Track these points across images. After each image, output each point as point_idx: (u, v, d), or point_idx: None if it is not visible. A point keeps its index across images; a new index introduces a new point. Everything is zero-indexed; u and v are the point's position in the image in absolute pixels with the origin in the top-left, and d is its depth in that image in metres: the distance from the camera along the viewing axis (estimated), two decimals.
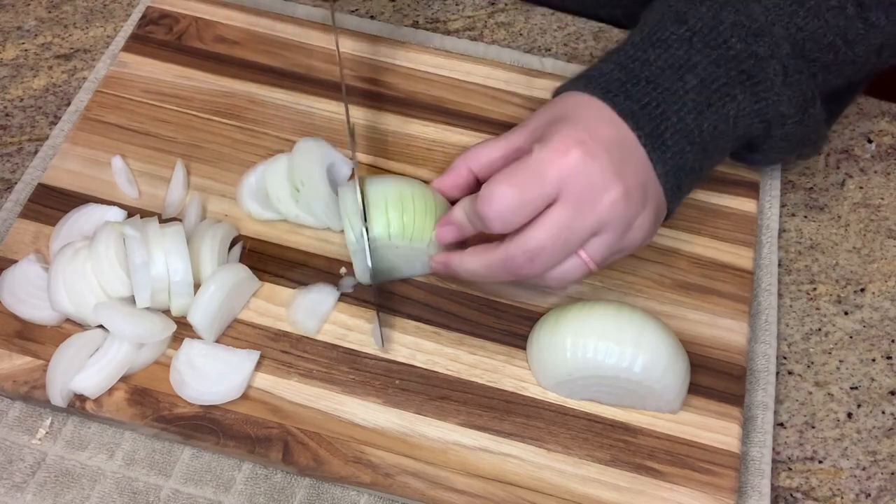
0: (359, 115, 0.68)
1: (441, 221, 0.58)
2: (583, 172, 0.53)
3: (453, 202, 0.59)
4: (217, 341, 0.58)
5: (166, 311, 0.58)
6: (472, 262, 0.56)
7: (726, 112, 0.57)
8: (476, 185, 0.59)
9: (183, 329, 0.58)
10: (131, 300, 0.58)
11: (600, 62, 0.59)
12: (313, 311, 0.59)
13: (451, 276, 0.60)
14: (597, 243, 0.54)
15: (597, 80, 0.57)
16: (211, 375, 0.56)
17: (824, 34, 0.58)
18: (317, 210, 0.61)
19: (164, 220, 0.62)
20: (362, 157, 0.66)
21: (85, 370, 0.56)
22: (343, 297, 0.61)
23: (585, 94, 0.56)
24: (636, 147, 0.55)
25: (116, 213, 0.62)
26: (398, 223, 0.57)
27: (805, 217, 0.69)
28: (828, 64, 0.59)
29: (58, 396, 0.55)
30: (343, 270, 0.62)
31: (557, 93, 0.59)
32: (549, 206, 0.53)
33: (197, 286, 0.58)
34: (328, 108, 0.68)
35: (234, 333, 0.59)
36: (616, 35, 0.76)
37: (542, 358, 0.57)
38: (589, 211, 0.53)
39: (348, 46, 0.71)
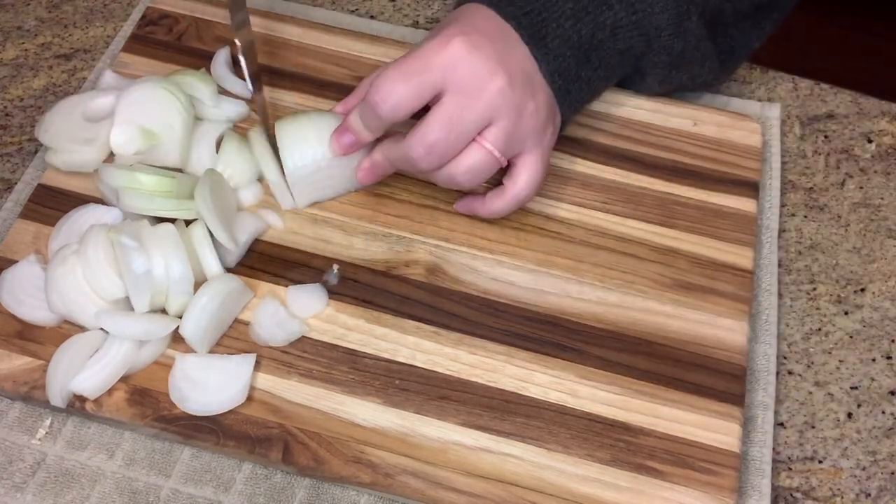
0: None
1: (337, 130, 0.61)
2: (466, 60, 0.55)
3: None
4: (218, 343, 0.58)
5: (163, 311, 0.58)
6: (378, 155, 0.61)
7: (603, 20, 0.59)
8: None
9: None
10: (125, 302, 0.58)
11: None
12: (280, 323, 0.59)
13: (376, 178, 0.63)
14: (493, 132, 0.57)
15: None
16: (211, 386, 0.56)
17: None
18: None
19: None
20: None
21: (84, 371, 0.56)
22: (342, 298, 0.61)
23: (474, 3, 0.59)
24: (519, 44, 0.58)
25: (116, 215, 0.62)
26: (322, 147, 0.61)
27: (805, 217, 0.69)
28: None
29: (57, 397, 0.55)
30: (334, 266, 0.62)
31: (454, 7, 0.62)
32: (437, 98, 0.56)
33: (197, 285, 0.58)
34: (327, 108, 0.68)
35: (235, 334, 0.59)
36: None
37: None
38: (476, 98, 0.55)
39: (348, 46, 0.71)
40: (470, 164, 0.57)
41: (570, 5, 0.59)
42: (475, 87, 0.55)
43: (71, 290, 0.57)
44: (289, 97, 0.69)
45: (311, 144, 0.61)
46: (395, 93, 0.55)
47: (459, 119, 0.55)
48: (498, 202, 0.61)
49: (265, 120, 0.65)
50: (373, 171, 0.62)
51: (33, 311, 0.58)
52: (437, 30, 0.58)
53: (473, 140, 0.57)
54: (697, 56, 0.64)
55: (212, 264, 0.59)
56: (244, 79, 0.66)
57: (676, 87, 0.69)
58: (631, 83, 0.67)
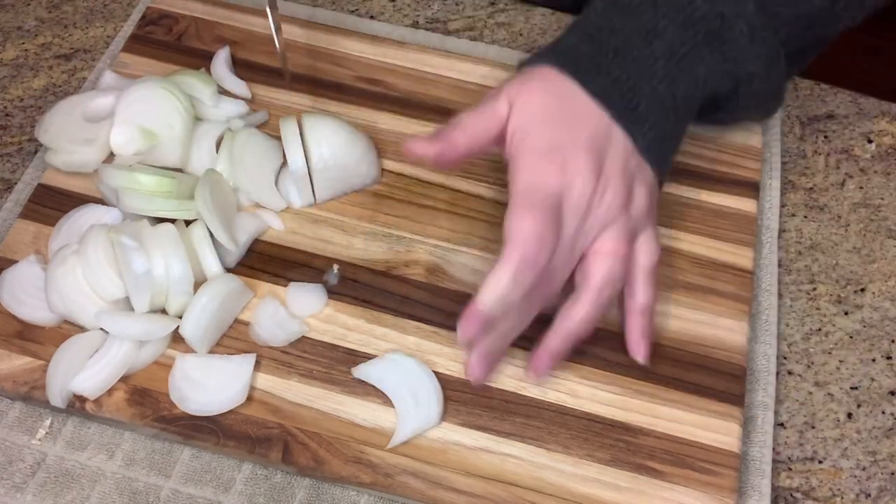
0: (359, 114, 0.68)
1: (465, 316, 0.52)
2: (572, 184, 0.53)
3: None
4: (218, 343, 0.58)
5: (163, 311, 0.58)
6: (555, 350, 0.56)
7: (696, 75, 0.57)
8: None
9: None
10: (125, 302, 0.58)
11: (565, 33, 0.58)
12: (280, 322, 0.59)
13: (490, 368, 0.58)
14: (609, 235, 0.55)
15: (565, 56, 0.56)
16: (211, 386, 0.56)
17: None
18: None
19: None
20: None
21: (84, 371, 0.56)
22: (342, 297, 0.61)
23: (555, 71, 0.56)
24: (614, 129, 0.55)
25: (116, 215, 0.62)
26: (350, 145, 0.62)
27: (805, 217, 0.69)
28: (789, 18, 0.58)
29: (57, 397, 0.55)
30: (334, 266, 0.62)
31: (523, 65, 0.59)
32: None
33: (197, 285, 0.58)
34: (328, 109, 0.68)
35: (235, 334, 0.59)
36: None
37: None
38: (588, 216, 0.54)
39: (348, 46, 0.71)
40: (604, 274, 0.55)
41: (662, 63, 0.56)
42: (585, 208, 0.54)
43: (71, 290, 0.57)
44: (289, 97, 0.69)
45: (340, 140, 0.62)
46: (538, 236, 0.52)
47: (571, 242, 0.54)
48: (580, 308, 0.56)
49: (279, 38, 0.63)
50: (546, 364, 0.57)
51: (33, 311, 0.58)
52: (526, 126, 0.55)
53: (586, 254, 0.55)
54: (778, 94, 0.63)
55: (212, 264, 0.59)
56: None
57: (743, 120, 0.68)
58: (702, 117, 0.63)
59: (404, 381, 0.57)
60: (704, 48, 0.57)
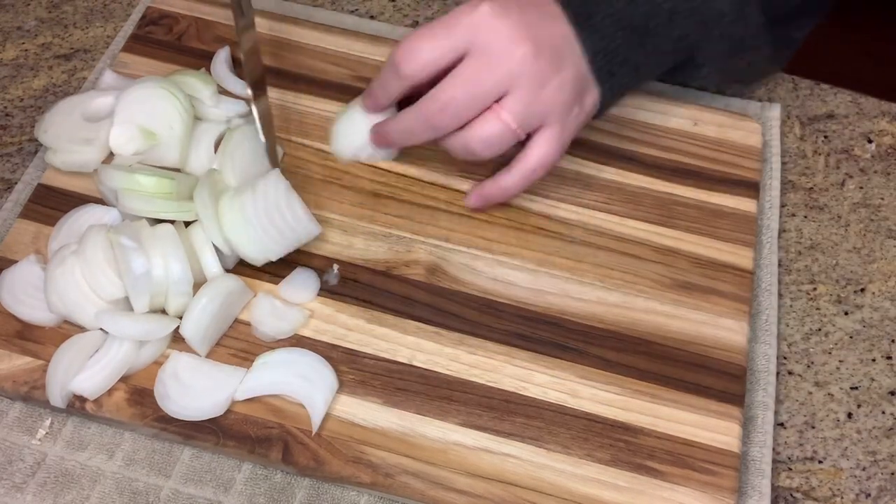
0: None
1: (364, 94, 0.61)
2: (491, 25, 0.55)
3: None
4: (218, 343, 0.58)
5: (162, 312, 0.58)
6: (394, 122, 0.60)
7: (659, 4, 0.58)
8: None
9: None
10: (124, 302, 0.57)
11: None
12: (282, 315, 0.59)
13: (389, 143, 0.63)
14: (511, 101, 0.56)
15: None
16: (195, 390, 0.56)
17: None
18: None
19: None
20: None
21: (84, 371, 0.56)
22: (342, 298, 0.61)
23: None
24: (560, 17, 0.56)
25: (116, 215, 0.62)
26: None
27: (805, 217, 0.69)
28: None
29: (57, 397, 0.55)
30: (334, 266, 0.62)
31: None
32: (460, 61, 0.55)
33: (197, 286, 0.58)
34: (328, 109, 0.68)
35: (235, 334, 0.59)
36: None
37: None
38: (496, 63, 0.55)
39: (348, 46, 0.71)
40: (485, 131, 0.57)
41: None
42: (497, 52, 0.55)
43: (70, 290, 0.57)
44: (289, 97, 0.69)
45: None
46: (417, 50, 0.55)
47: (476, 80, 0.55)
48: (507, 177, 0.60)
49: (266, 128, 0.63)
50: (386, 136, 0.62)
51: (33, 311, 0.58)
52: None
53: (490, 108, 0.56)
54: (756, 43, 0.62)
55: (211, 265, 0.59)
56: (245, 81, 0.66)
57: (733, 78, 0.67)
58: (684, 73, 0.65)
59: (285, 373, 0.57)
60: None
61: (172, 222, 0.59)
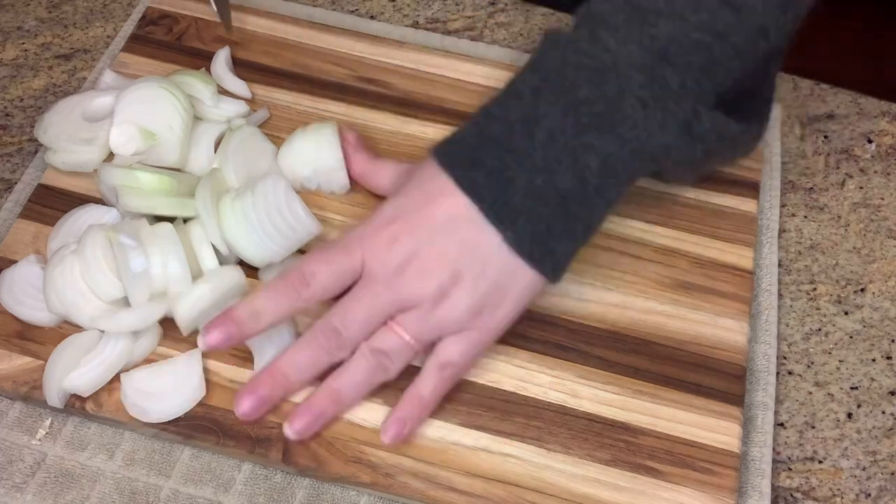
0: (358, 114, 0.68)
1: (213, 323, 0.54)
2: (383, 254, 0.54)
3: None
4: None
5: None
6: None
7: (584, 164, 0.52)
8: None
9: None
10: (123, 302, 0.57)
11: (472, 116, 0.56)
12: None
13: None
14: (405, 318, 0.54)
15: (448, 147, 0.55)
16: (166, 392, 0.56)
17: (686, 34, 0.53)
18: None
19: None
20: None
21: (79, 369, 0.56)
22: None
23: (436, 163, 0.55)
24: (473, 221, 0.53)
25: (115, 215, 0.62)
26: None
27: (805, 217, 0.69)
28: (704, 65, 0.53)
29: (54, 397, 0.55)
30: None
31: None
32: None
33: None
34: (328, 109, 0.68)
35: None
36: None
37: None
38: (384, 287, 0.54)
39: (349, 46, 0.71)
40: (384, 344, 0.55)
41: (541, 154, 0.52)
42: (383, 278, 0.54)
43: (68, 289, 0.57)
44: (288, 97, 0.69)
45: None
46: (318, 273, 0.54)
47: (369, 303, 0.54)
48: (419, 383, 0.56)
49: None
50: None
51: (32, 311, 0.58)
52: (389, 201, 0.56)
53: (386, 324, 0.55)
54: (727, 141, 0.57)
55: (209, 264, 0.59)
56: None
57: (722, 164, 0.64)
58: (663, 178, 0.61)
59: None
60: (591, 134, 0.52)
61: (172, 221, 0.59)
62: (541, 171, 0.52)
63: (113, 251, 0.57)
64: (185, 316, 0.57)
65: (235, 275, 0.58)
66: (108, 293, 0.57)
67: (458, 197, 0.54)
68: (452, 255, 0.54)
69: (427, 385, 0.55)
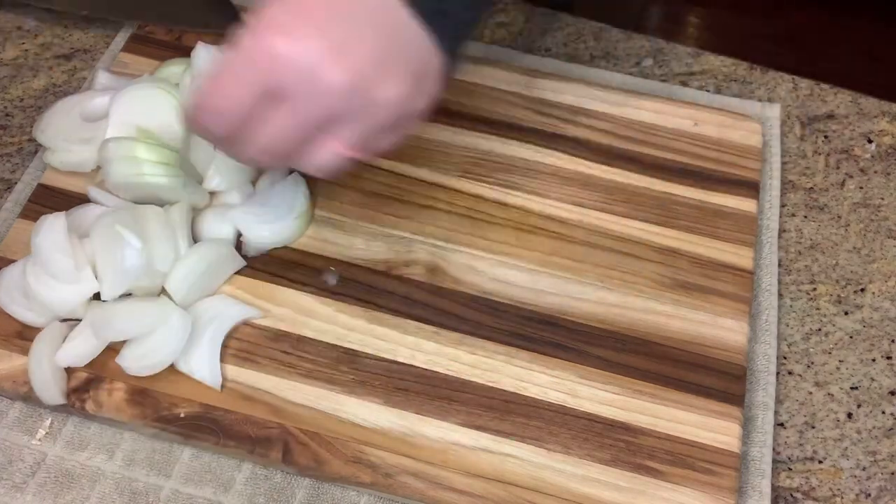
0: None
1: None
2: (290, 65, 0.45)
3: None
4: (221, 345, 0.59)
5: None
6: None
7: None
8: None
9: None
10: (89, 284, 0.58)
11: None
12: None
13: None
14: (344, 132, 0.48)
15: None
16: (157, 343, 0.56)
17: None
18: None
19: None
20: None
21: (67, 343, 0.56)
22: (342, 298, 0.61)
23: None
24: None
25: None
26: None
27: (805, 217, 0.69)
28: None
29: (48, 394, 0.55)
30: (331, 268, 0.62)
31: None
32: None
33: None
34: None
35: (234, 333, 0.59)
36: (616, 35, 0.76)
37: None
38: (310, 105, 0.46)
39: None
40: (323, 162, 0.49)
41: None
42: (305, 94, 0.46)
43: (40, 289, 0.57)
44: None
45: None
46: (216, 118, 0.48)
47: (296, 130, 0.47)
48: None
49: None
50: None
51: (26, 311, 0.58)
52: None
53: (319, 140, 0.49)
54: None
55: (183, 245, 0.60)
56: None
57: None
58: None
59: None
60: None
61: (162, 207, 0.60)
62: None
63: (70, 239, 0.57)
64: (177, 290, 0.58)
65: (223, 246, 0.59)
66: (70, 276, 0.57)
67: None
68: (380, 43, 0.47)
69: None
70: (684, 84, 0.74)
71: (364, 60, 0.46)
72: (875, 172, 0.71)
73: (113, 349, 0.57)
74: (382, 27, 0.47)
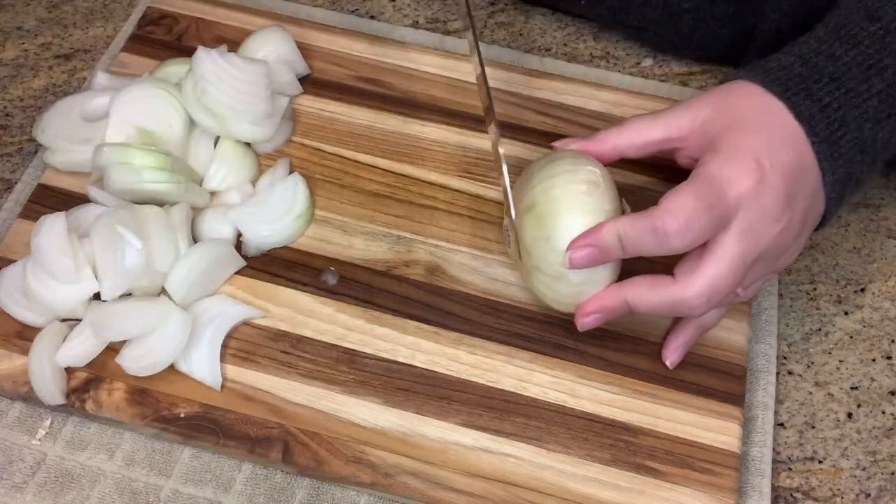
0: (358, 114, 0.68)
1: (577, 242, 0.53)
2: (759, 202, 0.50)
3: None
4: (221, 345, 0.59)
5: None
6: (649, 297, 0.53)
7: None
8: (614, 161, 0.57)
9: None
10: (87, 283, 0.58)
11: (780, 53, 0.54)
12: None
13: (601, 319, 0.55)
14: (751, 273, 0.52)
15: (776, 74, 0.53)
16: (157, 342, 0.56)
17: None
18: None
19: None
20: (362, 156, 0.66)
21: (67, 343, 0.56)
22: (342, 298, 0.61)
23: (760, 89, 0.53)
24: (811, 161, 0.52)
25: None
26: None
27: None
28: None
29: (48, 394, 0.55)
30: (331, 268, 0.62)
31: (728, 79, 0.55)
32: (717, 233, 0.51)
33: None
34: (328, 108, 0.68)
35: (234, 333, 0.59)
36: (616, 35, 0.76)
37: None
38: (757, 242, 0.51)
39: (348, 46, 0.71)
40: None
41: (875, 103, 0.52)
42: (759, 232, 0.51)
43: (41, 291, 0.57)
44: None
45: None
46: (692, 223, 0.50)
47: (742, 265, 0.51)
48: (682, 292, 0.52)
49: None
50: (602, 315, 0.55)
51: (26, 311, 0.58)
52: (716, 124, 0.52)
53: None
54: None
55: (183, 245, 0.60)
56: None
57: None
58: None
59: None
60: None
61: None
62: (870, 119, 0.52)
63: (70, 239, 0.57)
64: (177, 290, 0.58)
65: (222, 246, 0.59)
66: (72, 277, 0.57)
67: (797, 130, 0.52)
68: (807, 202, 0.52)
69: (713, 316, 0.57)
70: (684, 84, 0.74)
71: (798, 216, 0.52)
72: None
73: (113, 349, 0.57)
74: (811, 191, 0.53)
